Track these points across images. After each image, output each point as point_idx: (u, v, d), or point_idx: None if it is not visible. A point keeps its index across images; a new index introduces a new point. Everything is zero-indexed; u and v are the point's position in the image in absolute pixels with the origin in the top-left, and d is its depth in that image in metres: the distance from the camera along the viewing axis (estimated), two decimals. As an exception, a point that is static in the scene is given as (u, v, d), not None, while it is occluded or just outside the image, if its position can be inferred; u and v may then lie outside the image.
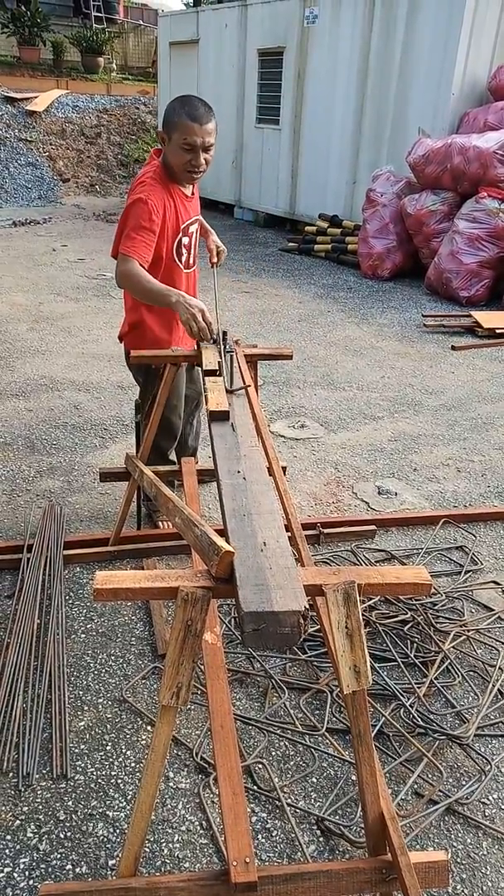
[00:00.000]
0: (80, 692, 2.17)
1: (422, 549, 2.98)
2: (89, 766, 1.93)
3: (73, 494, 3.28)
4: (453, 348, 5.73)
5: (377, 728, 2.06)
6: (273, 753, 2.01)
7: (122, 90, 15.86)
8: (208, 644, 1.80)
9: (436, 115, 7.77)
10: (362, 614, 2.40)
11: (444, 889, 1.64)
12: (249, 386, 2.00)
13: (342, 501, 3.37)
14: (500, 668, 2.33)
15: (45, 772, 1.90)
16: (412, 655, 2.32)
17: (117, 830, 1.77)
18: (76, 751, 1.97)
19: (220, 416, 1.76)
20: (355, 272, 8.08)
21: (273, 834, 1.78)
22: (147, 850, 1.72)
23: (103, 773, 1.92)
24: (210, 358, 2.12)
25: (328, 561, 2.83)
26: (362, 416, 4.36)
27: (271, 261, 8.56)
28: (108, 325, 5.79)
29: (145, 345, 2.64)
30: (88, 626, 2.45)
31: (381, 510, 3.30)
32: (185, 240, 2.61)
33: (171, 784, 1.90)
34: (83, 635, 2.41)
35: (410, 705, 2.12)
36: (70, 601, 2.55)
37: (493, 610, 2.64)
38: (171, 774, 1.93)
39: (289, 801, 1.86)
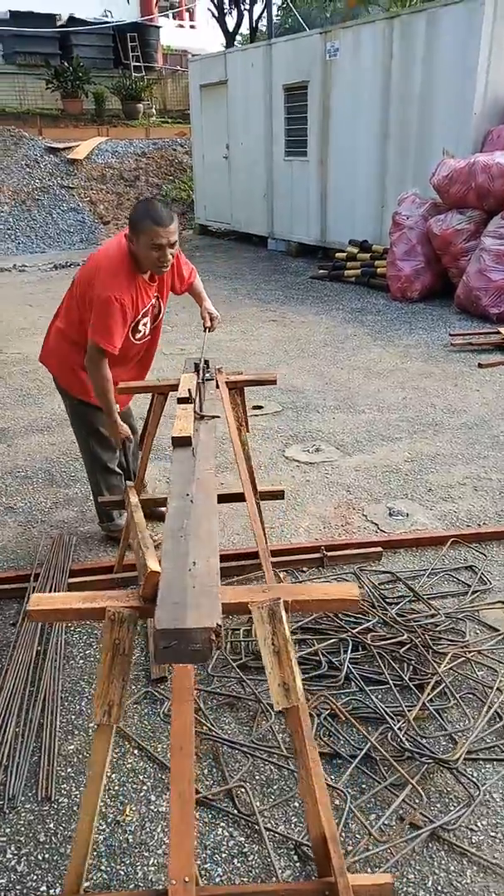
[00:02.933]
0: (73, 717, 2.22)
1: (429, 569, 2.93)
2: (74, 790, 1.97)
3: (86, 524, 3.36)
4: (480, 366, 5.65)
5: (363, 752, 2.03)
6: (257, 777, 2.00)
7: (160, 133, 16.42)
8: (178, 666, 1.82)
9: (459, 136, 7.77)
10: (357, 636, 2.38)
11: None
12: (218, 417, 2.04)
13: (351, 524, 3.35)
14: (498, 689, 2.27)
15: (30, 794, 1.95)
16: (407, 678, 2.28)
17: (94, 853, 1.79)
18: (63, 774, 2.01)
19: (181, 443, 1.81)
20: (385, 295, 8.08)
21: (249, 858, 1.77)
22: (122, 872, 1.74)
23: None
24: (186, 385, 2.18)
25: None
26: (380, 437, 4.34)
27: (301, 289, 8.65)
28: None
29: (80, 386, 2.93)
30: (87, 651, 2.50)
31: (391, 532, 3.27)
32: (144, 320, 2.82)
33: (151, 807, 1.91)
34: (81, 661, 2.46)
35: (399, 729, 2.08)
36: (71, 628, 2.61)
37: (499, 631, 2.57)
38: (153, 798, 1.94)
39: (268, 825, 1.85)
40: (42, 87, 16.81)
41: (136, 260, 2.63)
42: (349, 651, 2.37)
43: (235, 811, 1.89)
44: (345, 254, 9.10)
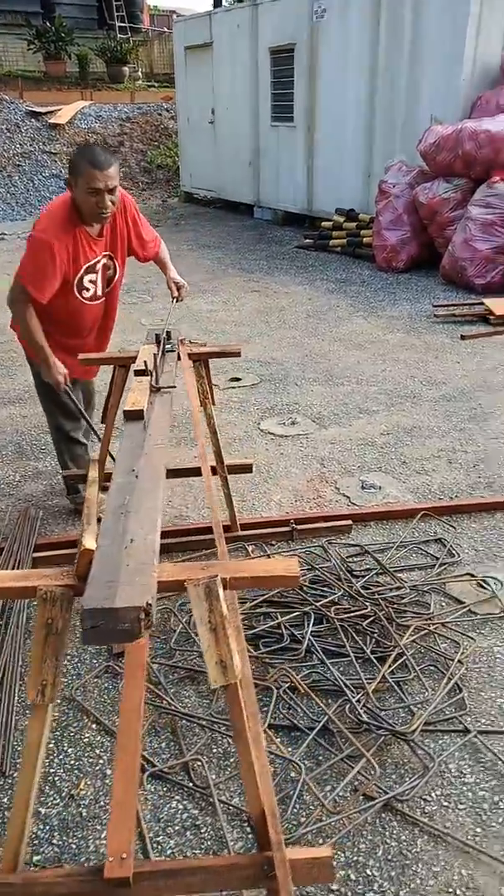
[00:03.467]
0: (33, 691, 2.20)
1: (397, 542, 2.92)
2: (30, 764, 1.96)
3: (54, 497, 3.33)
4: (462, 337, 5.60)
5: (321, 724, 2.03)
6: (214, 750, 2.00)
7: (145, 97, 16.05)
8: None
9: (447, 102, 7.62)
10: (321, 609, 2.37)
11: (331, 884, 1.61)
12: (174, 387, 2.00)
13: (323, 497, 3.33)
14: (459, 661, 2.27)
15: (-13, 768, 1.94)
16: (368, 651, 2.28)
17: (47, 827, 1.79)
18: (18, 749, 2.01)
19: (132, 416, 1.76)
20: (370, 265, 7.98)
21: (202, 830, 1.78)
22: (74, 846, 1.74)
23: (43, 770, 1.94)
24: (143, 357, 2.13)
25: (296, 557, 2.80)
26: (357, 410, 4.30)
27: (286, 258, 8.53)
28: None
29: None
30: (50, 626, 2.48)
31: (363, 505, 3.25)
32: (91, 276, 2.72)
33: (106, 781, 1.91)
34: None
35: (358, 701, 2.08)
36: (32, 602, 2.59)
37: (464, 603, 2.57)
38: (109, 772, 1.94)
39: (222, 798, 1.85)
40: (23, 48, 16.35)
41: (78, 210, 2.57)
42: (311, 624, 2.36)
43: (190, 784, 1.89)
44: (331, 223, 8.97)
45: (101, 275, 2.75)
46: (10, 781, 1.91)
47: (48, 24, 16.55)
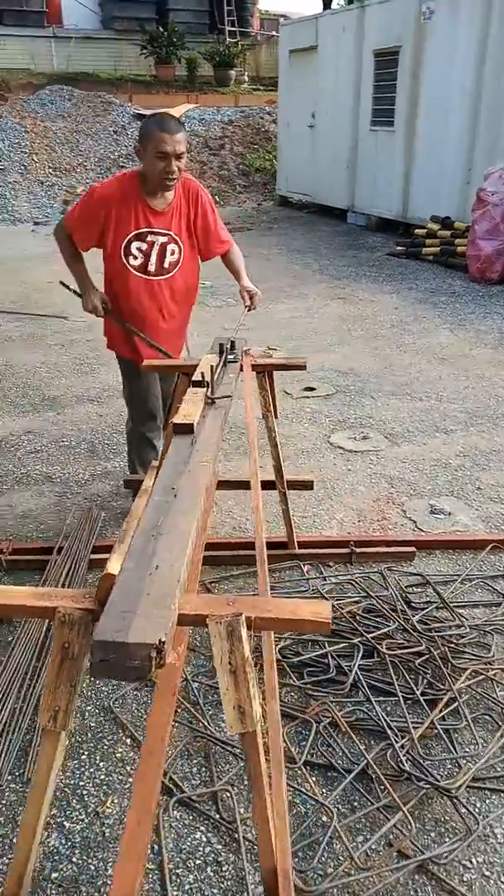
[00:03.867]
0: (72, 697, 2.20)
1: (462, 575, 2.75)
2: (61, 774, 1.95)
3: (119, 499, 3.35)
4: None
5: (359, 767, 1.92)
6: (246, 783, 1.92)
7: (250, 101, 16.14)
8: (168, 664, 1.76)
9: None
10: (372, 641, 2.25)
11: None
12: (229, 397, 1.93)
13: (388, 519, 3.20)
14: (518, 715, 2.10)
15: (17, 774, 1.94)
16: (419, 692, 2.15)
17: (69, 843, 1.77)
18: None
19: (182, 430, 1.71)
20: (463, 276, 7.68)
21: (223, 868, 1.71)
22: (92, 867, 1.71)
23: (72, 782, 1.93)
24: (203, 367, 2.08)
25: (353, 583, 2.68)
26: (433, 428, 4.12)
27: (375, 265, 8.34)
28: (194, 332, 5.87)
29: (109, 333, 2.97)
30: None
31: (429, 531, 3.10)
32: (140, 245, 2.73)
33: (134, 800, 1.87)
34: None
35: (402, 747, 1.95)
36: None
37: (530, 649, 2.39)
38: (137, 791, 1.90)
39: (248, 835, 1.78)
40: (137, 53, 16.79)
41: (143, 180, 2.65)
42: (359, 657, 2.24)
43: (217, 816, 1.83)
44: (425, 230, 8.71)
45: (156, 250, 2.73)
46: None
47: (161, 29, 16.93)
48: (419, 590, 2.70)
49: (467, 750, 2.00)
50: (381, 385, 4.78)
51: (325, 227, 10.86)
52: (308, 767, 1.96)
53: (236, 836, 1.77)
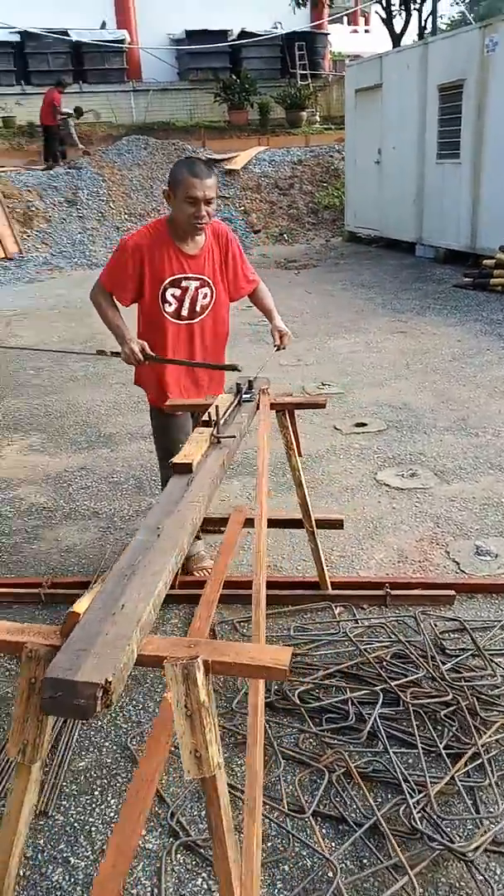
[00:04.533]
0: (92, 732, 2.22)
1: (500, 621, 2.62)
2: (72, 808, 1.97)
3: (159, 535, 3.39)
4: None
5: (370, 823, 1.84)
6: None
7: (320, 140, 16.42)
8: (166, 702, 1.75)
9: None
10: (395, 689, 2.17)
11: None
12: (234, 437, 1.93)
13: (430, 561, 3.09)
14: (549, 775, 1.96)
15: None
16: (441, 745, 2.04)
17: (72, 879, 1.77)
18: (66, 790, 2.02)
19: (181, 469, 1.73)
20: (533, 307, 7.46)
21: (220, 919, 1.66)
22: (90, 907, 1.70)
23: (82, 817, 1.94)
24: (217, 406, 2.10)
25: (385, 627, 2.60)
26: (488, 465, 3.98)
27: (440, 298, 8.22)
28: (251, 369, 5.94)
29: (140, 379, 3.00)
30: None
31: (472, 574, 2.97)
32: (174, 291, 2.75)
33: (140, 842, 1.86)
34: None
35: (417, 803, 1.86)
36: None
37: None
38: (144, 832, 1.89)
39: (248, 886, 1.73)
40: (211, 101, 17.50)
41: (173, 226, 2.68)
42: (380, 705, 2.16)
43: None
44: (493, 260, 8.53)
45: (189, 295, 2.75)
46: (49, 823, 1.92)
47: (234, 77, 17.58)
48: (455, 636, 2.59)
49: (491, 810, 1.88)
50: (435, 420, 4.67)
51: (392, 260, 10.83)
52: (318, 819, 1.89)
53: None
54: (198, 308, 2.82)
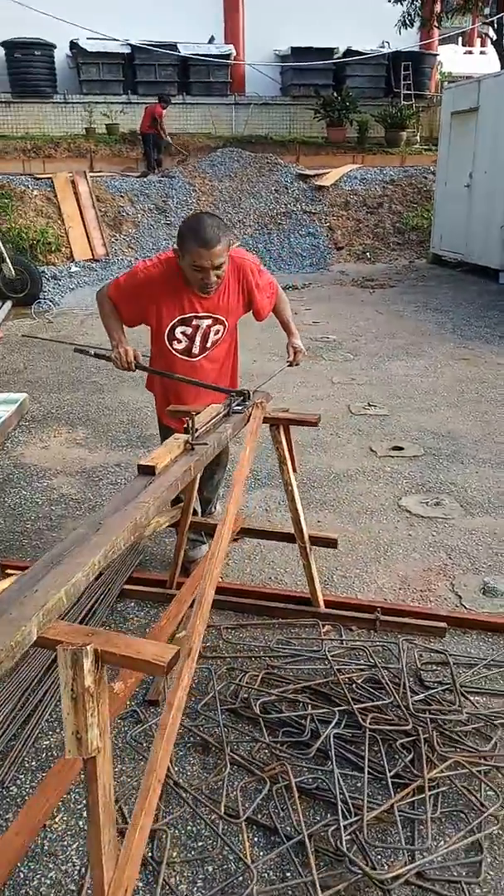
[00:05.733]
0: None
1: (488, 659, 2.57)
2: (27, 783, 2.08)
3: (171, 535, 3.49)
4: None
5: (297, 839, 1.86)
6: (187, 827, 1.94)
7: (416, 161, 16.28)
8: (112, 693, 1.84)
9: None
10: (356, 711, 2.18)
11: None
12: (205, 444, 2.00)
13: (433, 591, 3.06)
14: (493, 816, 1.93)
15: (-11, 775, 2.10)
16: (389, 773, 2.03)
17: (62, 889, 1.82)
18: (26, 765, 2.14)
19: (144, 471, 1.82)
20: None
21: (136, 906, 1.73)
22: (21, 875, 1.80)
23: (34, 791, 2.04)
24: (200, 415, 2.17)
25: (365, 649, 2.60)
26: (518, 501, 3.87)
27: (514, 328, 8.00)
28: (302, 384, 5.99)
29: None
30: (107, 657, 2.61)
31: (472, 609, 2.92)
32: (185, 329, 2.73)
33: (79, 823, 1.95)
34: (97, 664, 2.57)
35: (349, 825, 1.87)
36: (107, 629, 2.74)
37: (540, 751, 2.17)
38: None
39: (169, 878, 1.79)
40: (311, 117, 17.67)
41: (182, 273, 2.63)
42: (334, 725, 2.17)
43: (149, 854, 1.85)
44: None
45: (201, 332, 2.76)
46: (2, 793, 2.04)
47: (336, 94, 17.70)
48: (437, 668, 2.55)
49: (426, 842, 1.86)
50: (476, 451, 4.58)
51: (472, 286, 10.60)
52: (253, 827, 1.93)
53: (156, 877, 1.78)
54: (208, 344, 2.82)
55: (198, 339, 2.78)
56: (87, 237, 11.57)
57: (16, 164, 13.04)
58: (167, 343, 2.77)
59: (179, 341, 2.77)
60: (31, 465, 4.34)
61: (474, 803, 1.98)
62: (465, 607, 2.94)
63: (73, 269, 10.79)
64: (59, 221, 11.47)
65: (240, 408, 2.33)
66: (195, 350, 2.81)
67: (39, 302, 9.13)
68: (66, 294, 9.83)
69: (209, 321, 2.76)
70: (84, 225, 11.64)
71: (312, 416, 2.50)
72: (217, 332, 2.81)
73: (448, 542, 3.46)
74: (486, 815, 1.92)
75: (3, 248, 8.75)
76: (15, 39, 14.42)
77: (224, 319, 2.79)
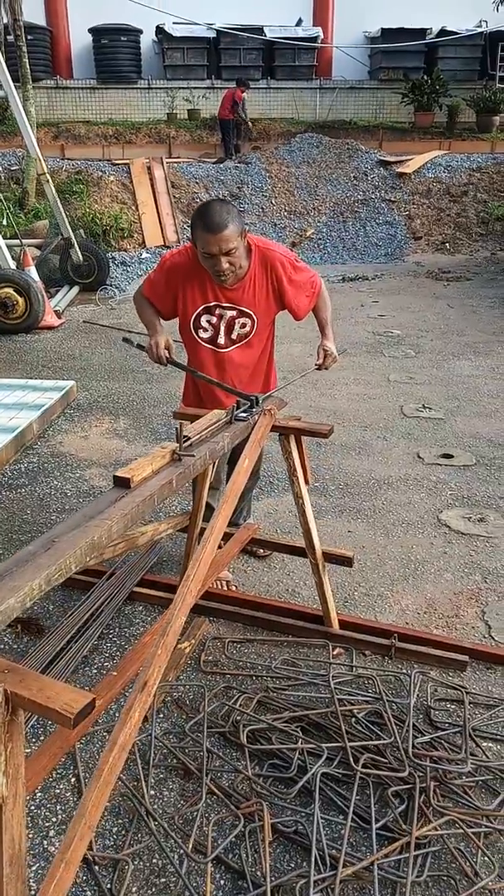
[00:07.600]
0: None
1: (508, 702, 2.34)
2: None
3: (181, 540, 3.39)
4: None
5: (262, 889, 1.72)
6: (153, 860, 1.83)
7: (509, 147, 15.49)
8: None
9: None
10: (350, 750, 2.03)
11: None
12: (191, 456, 1.86)
13: (460, 618, 2.83)
14: (487, 888, 1.73)
15: None
16: (375, 824, 1.86)
17: None
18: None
19: (119, 482, 1.70)
20: None
21: (84, 942, 1.64)
22: None
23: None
24: (200, 422, 2.04)
25: (373, 679, 2.41)
26: None
27: None
28: (356, 381, 5.77)
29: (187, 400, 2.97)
30: (106, 664, 2.54)
31: (501, 643, 2.68)
32: (209, 318, 2.67)
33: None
34: (94, 671, 2.51)
35: (321, 880, 1.71)
36: (109, 633, 2.67)
37: (553, 815, 1.95)
38: (52, 835, 1.91)
39: (123, 917, 1.69)
40: (398, 101, 17.07)
41: None
42: (327, 764, 2.01)
43: (108, 885, 1.76)
44: None
45: (225, 322, 2.67)
46: None
47: (426, 77, 17.02)
48: (452, 707, 2.35)
49: (405, 910, 1.69)
50: (532, 463, 4.26)
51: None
52: (221, 867, 1.81)
53: (112, 914, 1.69)
54: (234, 336, 2.72)
55: (222, 328, 2.69)
56: (160, 223, 11.60)
57: (96, 149, 13.21)
58: (193, 332, 2.73)
59: (205, 329, 2.72)
60: (67, 455, 4.34)
61: (467, 870, 1.78)
62: (494, 639, 2.71)
63: (144, 255, 10.83)
64: (133, 207, 11.55)
65: (244, 415, 2.18)
66: (220, 340, 2.72)
67: (105, 288, 9.20)
68: (133, 280, 9.87)
69: (233, 312, 2.67)
70: (157, 211, 11.66)
71: (324, 427, 2.32)
72: (244, 324, 2.70)
73: (486, 564, 3.20)
74: (478, 886, 1.73)
75: (72, 233, 8.85)
76: (102, 25, 14.55)
77: (251, 313, 2.67)
